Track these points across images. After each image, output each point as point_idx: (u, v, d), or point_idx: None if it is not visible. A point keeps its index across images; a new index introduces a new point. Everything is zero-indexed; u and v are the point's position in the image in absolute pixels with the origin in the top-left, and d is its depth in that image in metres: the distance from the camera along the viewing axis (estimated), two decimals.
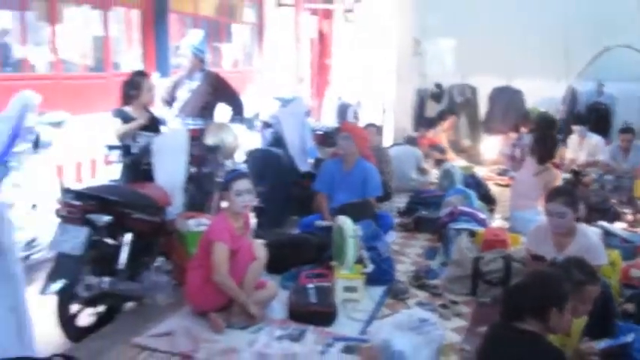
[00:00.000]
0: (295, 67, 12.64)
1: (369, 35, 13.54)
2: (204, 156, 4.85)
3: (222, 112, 5.70)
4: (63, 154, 5.68)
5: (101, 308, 3.69)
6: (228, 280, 3.48)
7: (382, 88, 11.63)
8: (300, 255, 4.39)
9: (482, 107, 9.77)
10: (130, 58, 9.12)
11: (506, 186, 7.19)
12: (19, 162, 4.70)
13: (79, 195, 3.47)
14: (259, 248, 3.74)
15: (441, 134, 8.99)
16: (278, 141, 6.18)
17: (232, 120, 5.55)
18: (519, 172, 6.03)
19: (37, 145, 4.80)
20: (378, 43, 11.79)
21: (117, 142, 4.81)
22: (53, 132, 5.08)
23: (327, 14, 13.95)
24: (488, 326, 2.64)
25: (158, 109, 5.31)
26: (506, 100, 9.49)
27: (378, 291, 4.09)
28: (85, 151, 6.29)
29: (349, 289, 3.93)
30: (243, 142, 5.63)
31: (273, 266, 4.07)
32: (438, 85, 9.97)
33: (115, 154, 4.83)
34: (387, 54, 10.92)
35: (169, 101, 5.51)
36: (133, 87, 4.74)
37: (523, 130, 8.49)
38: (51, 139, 4.94)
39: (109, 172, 4.94)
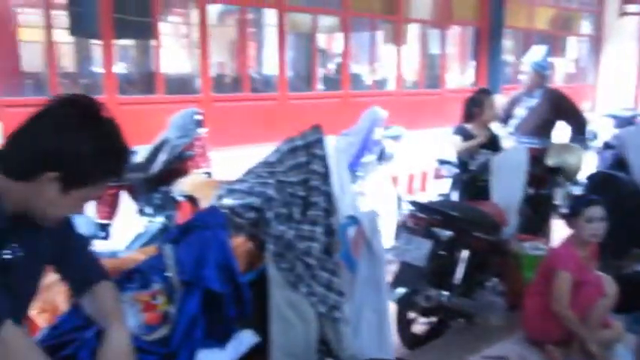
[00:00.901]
0: (636, 80, 11.40)
1: None
2: (543, 177, 4.64)
3: (559, 131, 5.40)
4: (398, 166, 6.05)
5: (433, 320, 3.79)
6: (568, 313, 3.24)
7: None
8: None
9: None
10: (461, 75, 9.32)
11: None
12: (365, 172, 5.15)
13: (424, 208, 3.62)
14: (610, 284, 3.40)
15: None
16: (620, 164, 5.58)
17: (572, 140, 5.20)
18: None
19: (381, 157, 5.20)
20: None
21: (448, 158, 4.91)
22: (393, 145, 5.45)
23: None
24: None
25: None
26: None
27: None
28: (417, 164, 6.61)
29: None
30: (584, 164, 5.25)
31: (618, 305, 3.66)
32: None
33: (446, 169, 4.93)
34: None
35: (504, 119, 5.40)
36: (476, 104, 4.77)
37: None
38: (393, 151, 5.30)
39: (438, 186, 5.08)
